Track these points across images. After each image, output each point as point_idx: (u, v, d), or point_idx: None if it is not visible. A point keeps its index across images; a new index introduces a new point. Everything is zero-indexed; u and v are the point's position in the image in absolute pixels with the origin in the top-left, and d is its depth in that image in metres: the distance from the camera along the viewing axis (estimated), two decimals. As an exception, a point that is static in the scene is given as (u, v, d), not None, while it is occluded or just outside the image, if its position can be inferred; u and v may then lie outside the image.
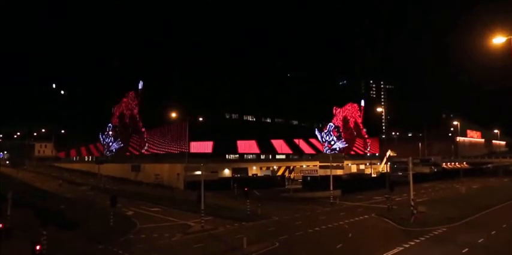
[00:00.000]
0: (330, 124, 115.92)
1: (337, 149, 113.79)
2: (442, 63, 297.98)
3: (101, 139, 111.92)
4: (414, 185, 38.06)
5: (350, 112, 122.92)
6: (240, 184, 57.49)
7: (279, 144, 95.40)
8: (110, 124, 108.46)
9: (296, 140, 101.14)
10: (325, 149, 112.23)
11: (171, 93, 79.67)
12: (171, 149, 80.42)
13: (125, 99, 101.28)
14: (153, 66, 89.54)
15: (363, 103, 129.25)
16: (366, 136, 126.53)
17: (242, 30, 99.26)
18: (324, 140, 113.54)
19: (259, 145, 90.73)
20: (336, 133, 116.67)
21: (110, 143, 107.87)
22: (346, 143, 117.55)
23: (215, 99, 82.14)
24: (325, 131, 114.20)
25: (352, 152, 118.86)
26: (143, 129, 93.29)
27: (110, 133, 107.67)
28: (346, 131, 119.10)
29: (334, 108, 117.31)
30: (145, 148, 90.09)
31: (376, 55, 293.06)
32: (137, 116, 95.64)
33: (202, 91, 79.19)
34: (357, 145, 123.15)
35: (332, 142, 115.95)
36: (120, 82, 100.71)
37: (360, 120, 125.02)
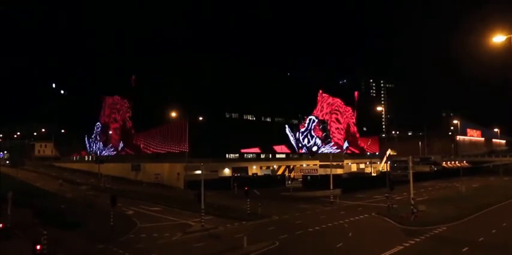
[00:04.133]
0: (311, 117, 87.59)
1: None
2: (442, 62, 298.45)
3: (87, 145, 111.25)
4: (414, 184, 38.12)
5: (341, 108, 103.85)
6: (240, 183, 57.38)
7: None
8: (98, 123, 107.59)
9: (276, 147, 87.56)
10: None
11: (170, 92, 79.40)
12: (172, 149, 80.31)
13: (117, 100, 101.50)
14: (152, 65, 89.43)
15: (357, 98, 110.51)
16: (357, 136, 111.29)
17: (243, 30, 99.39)
18: (298, 143, 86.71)
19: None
20: (320, 133, 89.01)
21: (98, 149, 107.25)
22: (336, 148, 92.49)
23: (215, 98, 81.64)
24: (303, 129, 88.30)
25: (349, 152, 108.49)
26: (133, 131, 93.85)
27: (98, 137, 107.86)
28: (336, 130, 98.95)
29: (320, 92, 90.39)
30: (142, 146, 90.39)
31: (377, 55, 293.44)
32: (128, 118, 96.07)
33: (202, 90, 78.82)
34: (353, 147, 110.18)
35: (315, 148, 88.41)
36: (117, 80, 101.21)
37: (352, 118, 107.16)
